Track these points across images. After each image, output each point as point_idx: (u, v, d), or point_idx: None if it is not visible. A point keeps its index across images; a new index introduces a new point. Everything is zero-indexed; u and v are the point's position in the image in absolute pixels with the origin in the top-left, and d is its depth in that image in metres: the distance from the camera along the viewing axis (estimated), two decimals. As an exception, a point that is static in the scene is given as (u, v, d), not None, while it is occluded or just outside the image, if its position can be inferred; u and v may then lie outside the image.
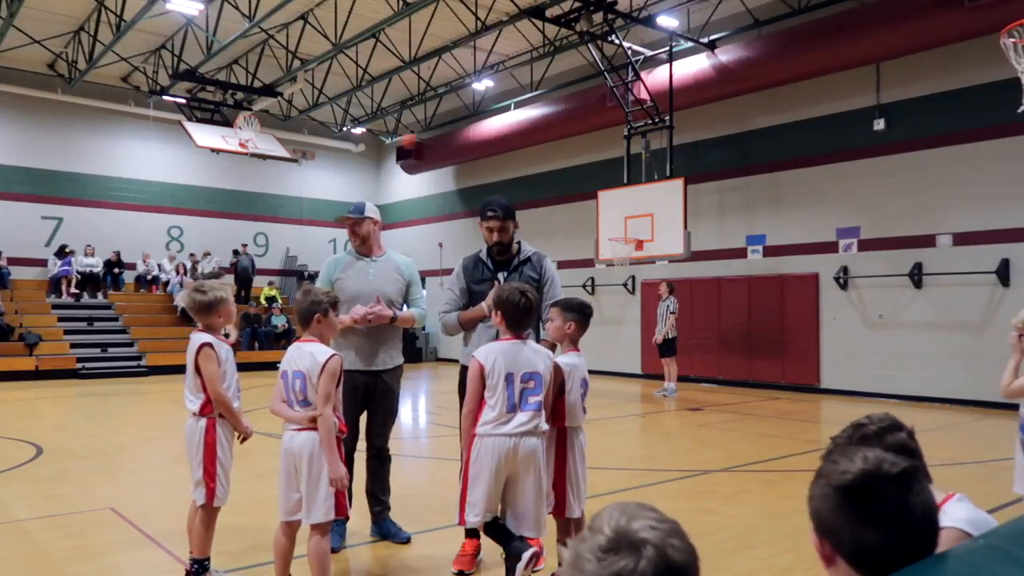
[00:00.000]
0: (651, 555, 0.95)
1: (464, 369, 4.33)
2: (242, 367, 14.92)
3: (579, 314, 3.68)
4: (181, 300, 4.03)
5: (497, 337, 4.16)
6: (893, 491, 1.26)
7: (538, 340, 4.05)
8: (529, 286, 3.51)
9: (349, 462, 4.23)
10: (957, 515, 1.71)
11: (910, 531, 1.25)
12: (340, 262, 4.57)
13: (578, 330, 3.69)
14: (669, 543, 0.97)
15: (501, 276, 4.22)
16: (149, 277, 19.73)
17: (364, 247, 4.57)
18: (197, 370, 3.65)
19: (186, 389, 3.74)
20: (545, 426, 3.40)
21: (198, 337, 3.70)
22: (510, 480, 3.36)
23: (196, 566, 3.64)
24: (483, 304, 4.15)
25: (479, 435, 3.34)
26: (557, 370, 3.55)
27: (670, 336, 12.83)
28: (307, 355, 3.39)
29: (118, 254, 19.27)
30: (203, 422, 3.66)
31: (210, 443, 3.64)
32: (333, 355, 3.39)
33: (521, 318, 3.41)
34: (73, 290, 18.39)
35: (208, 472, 3.62)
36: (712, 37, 13.73)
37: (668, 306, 12.85)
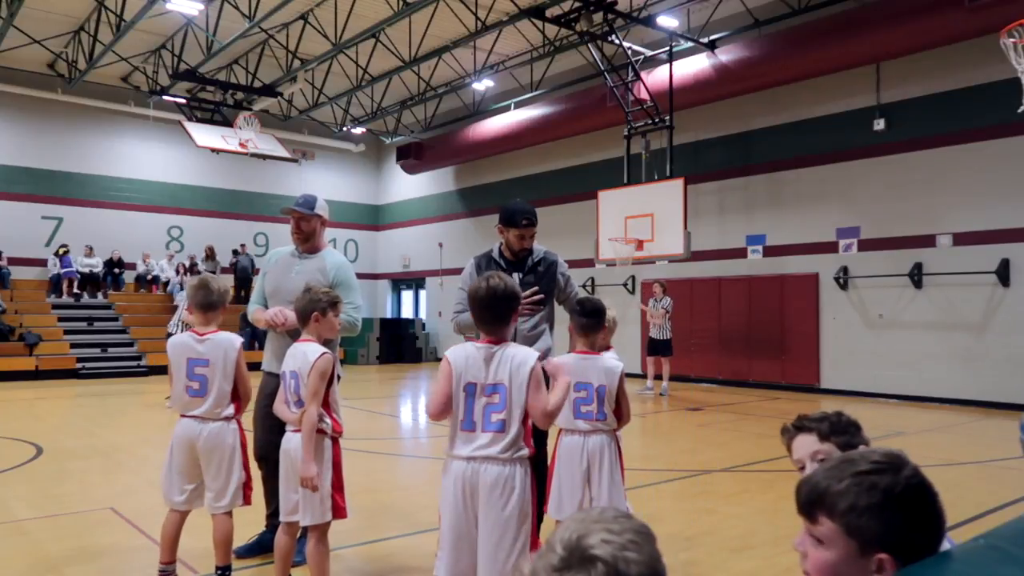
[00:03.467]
0: (601, 572, 0.93)
1: None
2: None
3: (573, 313, 3.64)
4: (196, 291, 3.86)
5: (515, 340, 3.99)
6: (928, 484, 1.27)
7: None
8: (503, 274, 2.87)
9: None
10: None
11: (942, 518, 1.26)
12: (275, 256, 4.39)
13: (576, 329, 3.61)
14: (622, 557, 0.94)
15: (516, 276, 4.03)
16: (149, 277, 19.73)
17: (305, 245, 4.26)
18: (237, 373, 3.62)
19: (213, 395, 3.55)
20: (525, 451, 2.70)
21: (233, 337, 3.64)
22: (478, 520, 2.67)
23: (225, 572, 3.62)
24: None
25: (446, 457, 2.78)
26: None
27: (667, 336, 12.86)
28: (300, 354, 3.38)
29: (119, 259, 19.25)
30: (234, 425, 3.63)
31: (244, 443, 3.66)
32: (324, 353, 3.36)
33: (485, 312, 2.75)
34: (75, 290, 18.38)
35: (247, 471, 3.63)
36: (712, 37, 13.73)
37: (666, 305, 12.86)
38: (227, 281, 3.77)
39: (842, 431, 2.00)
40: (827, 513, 1.26)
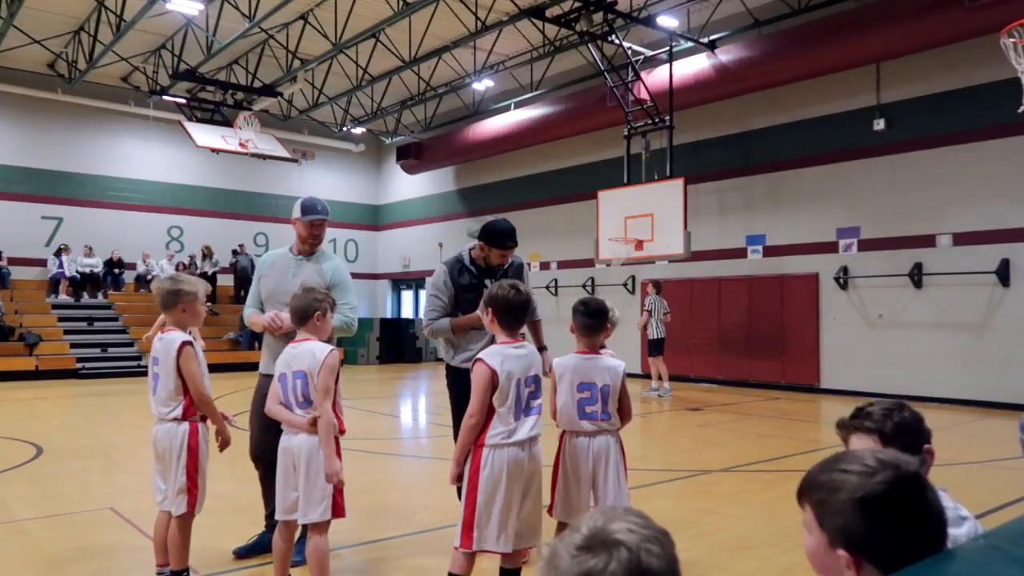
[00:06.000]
0: (623, 557, 0.94)
1: (451, 370, 4.39)
2: (243, 367, 14.91)
3: (575, 313, 3.59)
4: (153, 290, 3.96)
5: (494, 341, 4.20)
6: (918, 490, 1.24)
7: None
8: (520, 281, 3.38)
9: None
10: None
11: (934, 526, 1.24)
12: (270, 259, 4.37)
13: (578, 329, 3.58)
14: (644, 547, 0.96)
15: (488, 282, 4.23)
16: (149, 277, 19.72)
17: (314, 247, 4.30)
18: (179, 371, 3.51)
19: (160, 394, 3.56)
20: (542, 429, 3.26)
21: (176, 336, 3.56)
22: (522, 491, 3.20)
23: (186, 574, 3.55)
24: (479, 312, 4.18)
25: (489, 446, 3.12)
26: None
27: (659, 336, 12.82)
28: (307, 353, 3.37)
29: (119, 259, 19.26)
30: (185, 426, 3.52)
31: (194, 447, 3.52)
32: (332, 350, 3.39)
33: (515, 315, 3.24)
34: (69, 289, 18.36)
35: (192, 479, 3.49)
36: (712, 37, 13.73)
37: (656, 304, 12.84)
38: (192, 280, 3.72)
39: (905, 431, 1.86)
40: (808, 501, 1.32)
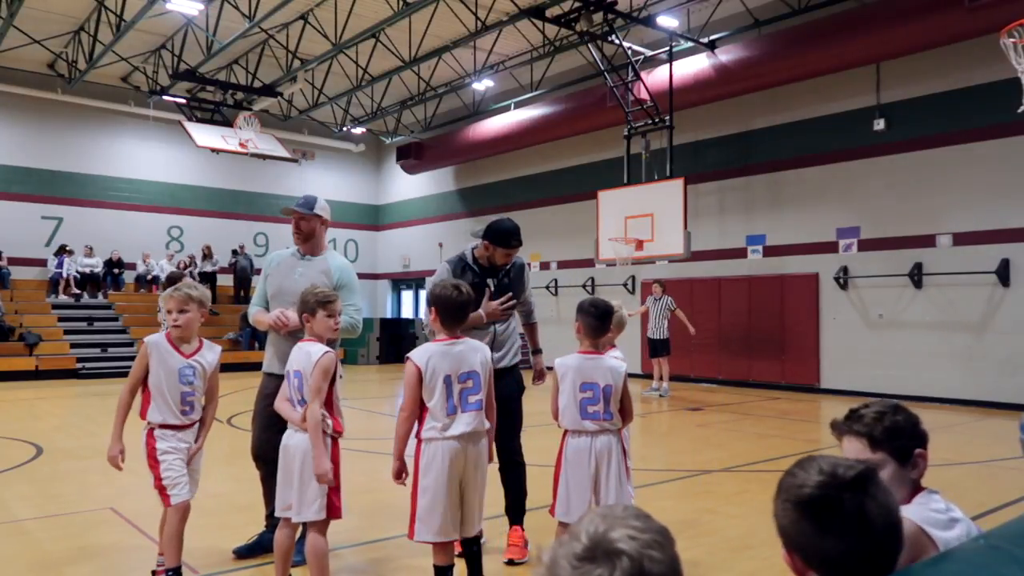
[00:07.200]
0: (626, 566, 0.93)
1: None
2: (243, 367, 14.90)
3: (582, 313, 3.61)
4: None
5: (494, 341, 4.22)
6: (850, 498, 1.25)
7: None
8: (463, 281, 3.46)
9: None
10: (910, 511, 1.65)
11: (871, 535, 1.24)
12: (276, 258, 4.38)
13: (585, 330, 3.59)
14: (647, 554, 0.95)
15: (491, 282, 4.31)
16: (149, 277, 19.73)
17: (306, 245, 4.29)
18: None
19: None
20: (487, 424, 3.33)
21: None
22: (461, 483, 3.26)
23: (171, 574, 3.53)
24: (480, 311, 4.17)
25: (425, 440, 3.25)
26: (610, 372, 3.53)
27: (666, 335, 12.88)
28: (304, 354, 3.42)
29: (119, 259, 19.27)
30: (143, 424, 3.60)
31: (147, 447, 3.68)
32: (326, 352, 3.40)
33: (455, 314, 3.31)
34: (74, 290, 18.38)
35: (156, 478, 3.59)
36: (712, 37, 13.73)
37: (667, 304, 12.85)
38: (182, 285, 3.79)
39: (896, 435, 1.79)
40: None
